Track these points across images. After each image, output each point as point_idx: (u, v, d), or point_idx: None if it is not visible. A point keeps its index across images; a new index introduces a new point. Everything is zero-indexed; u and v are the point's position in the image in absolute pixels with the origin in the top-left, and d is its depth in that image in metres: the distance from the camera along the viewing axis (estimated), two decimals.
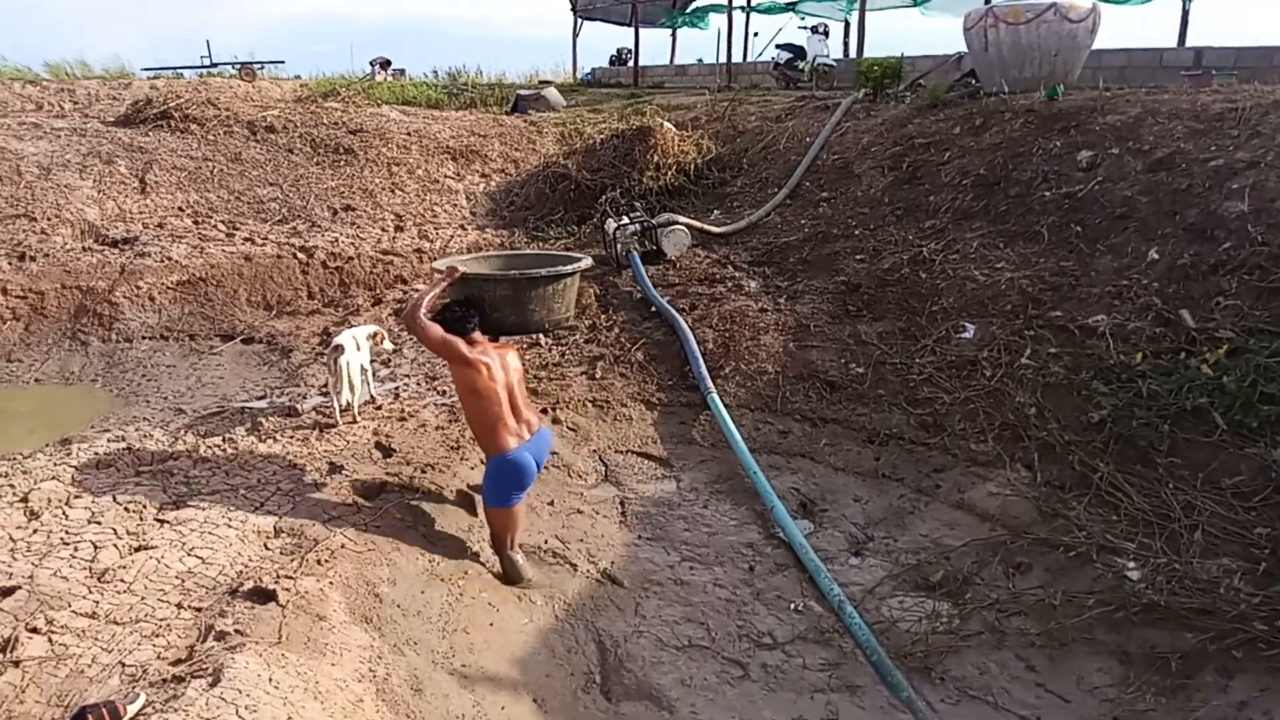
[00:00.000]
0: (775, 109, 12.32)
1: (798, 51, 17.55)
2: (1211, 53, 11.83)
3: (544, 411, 6.41)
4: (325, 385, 6.35)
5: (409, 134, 12.40)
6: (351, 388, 5.89)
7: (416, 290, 9.03)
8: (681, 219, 9.14)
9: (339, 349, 5.83)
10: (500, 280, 5.22)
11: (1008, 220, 7.68)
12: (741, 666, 4.35)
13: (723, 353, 7.03)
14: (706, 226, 9.33)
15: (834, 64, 16.76)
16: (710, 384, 6.55)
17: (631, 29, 26.19)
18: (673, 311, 7.61)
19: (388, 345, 6.66)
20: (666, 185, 10.70)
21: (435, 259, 9.36)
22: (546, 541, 5.13)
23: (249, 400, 6.67)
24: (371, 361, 6.44)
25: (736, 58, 20.71)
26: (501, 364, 4.72)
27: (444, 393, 6.57)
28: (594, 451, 6.18)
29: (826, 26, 17.74)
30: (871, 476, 5.85)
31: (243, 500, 4.75)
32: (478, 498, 5.21)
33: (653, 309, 8.02)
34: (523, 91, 15.52)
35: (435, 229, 10.46)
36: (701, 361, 6.80)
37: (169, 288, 8.65)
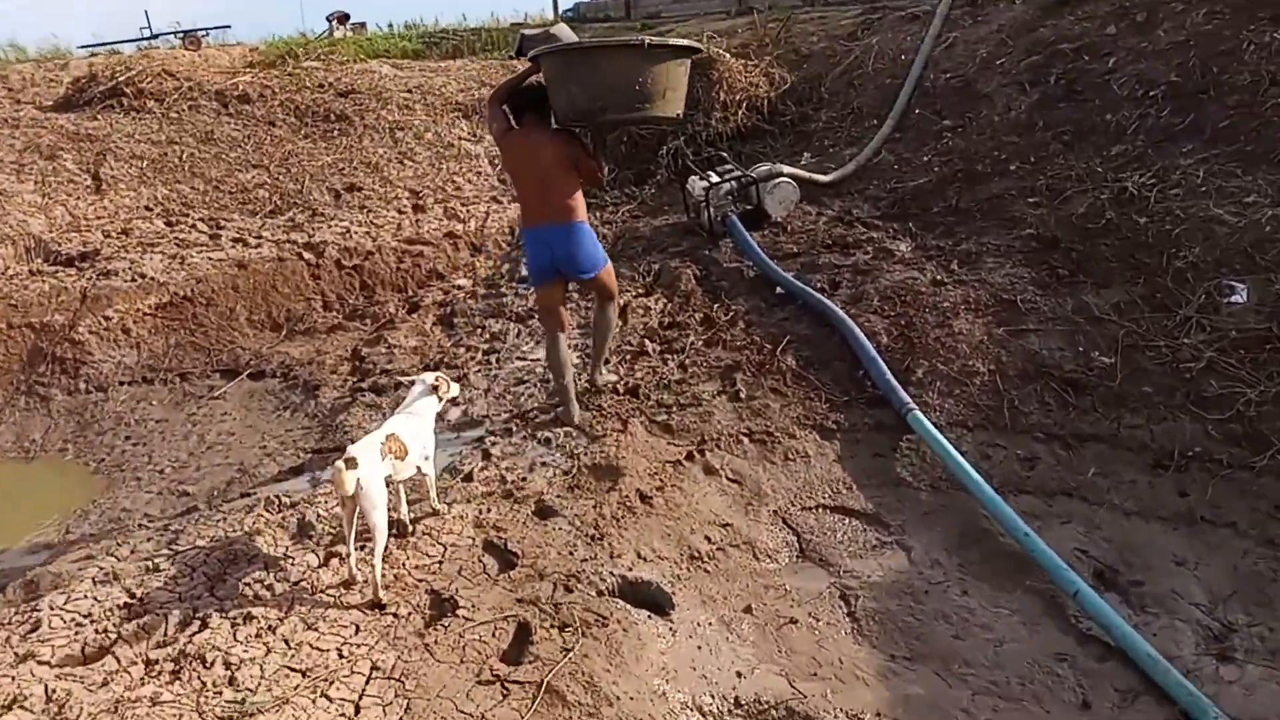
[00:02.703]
0: (843, 25, 10.36)
1: None
2: None
3: (689, 458, 4.65)
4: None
5: (409, 91, 10.39)
6: (375, 529, 3.42)
7: (458, 287, 7.19)
8: (785, 168, 7.27)
9: (351, 463, 3.31)
10: (545, 55, 4.68)
11: (1236, 139, 5.87)
12: None
13: (904, 348, 5.25)
14: (814, 175, 7.47)
15: None
16: (906, 396, 4.79)
17: None
18: (816, 295, 5.80)
19: (453, 391, 4.21)
20: (738, 127, 8.81)
21: (474, 243, 7.53)
22: (770, 696, 3.37)
23: (281, 476, 4.87)
24: (438, 421, 4.27)
25: None
26: (530, 149, 4.68)
27: (549, 441, 4.78)
28: (775, 513, 4.42)
29: None
30: (1187, 522, 4.11)
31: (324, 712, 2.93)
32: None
33: (777, 289, 6.22)
34: (528, 31, 13.34)
35: (463, 205, 8.55)
36: (883, 365, 5.03)
37: (146, 314, 6.74)
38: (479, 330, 6.45)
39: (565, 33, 12.91)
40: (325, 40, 15.91)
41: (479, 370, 5.83)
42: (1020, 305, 5.31)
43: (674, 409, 5.07)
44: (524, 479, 4.40)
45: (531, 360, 5.93)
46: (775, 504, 4.46)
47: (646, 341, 5.87)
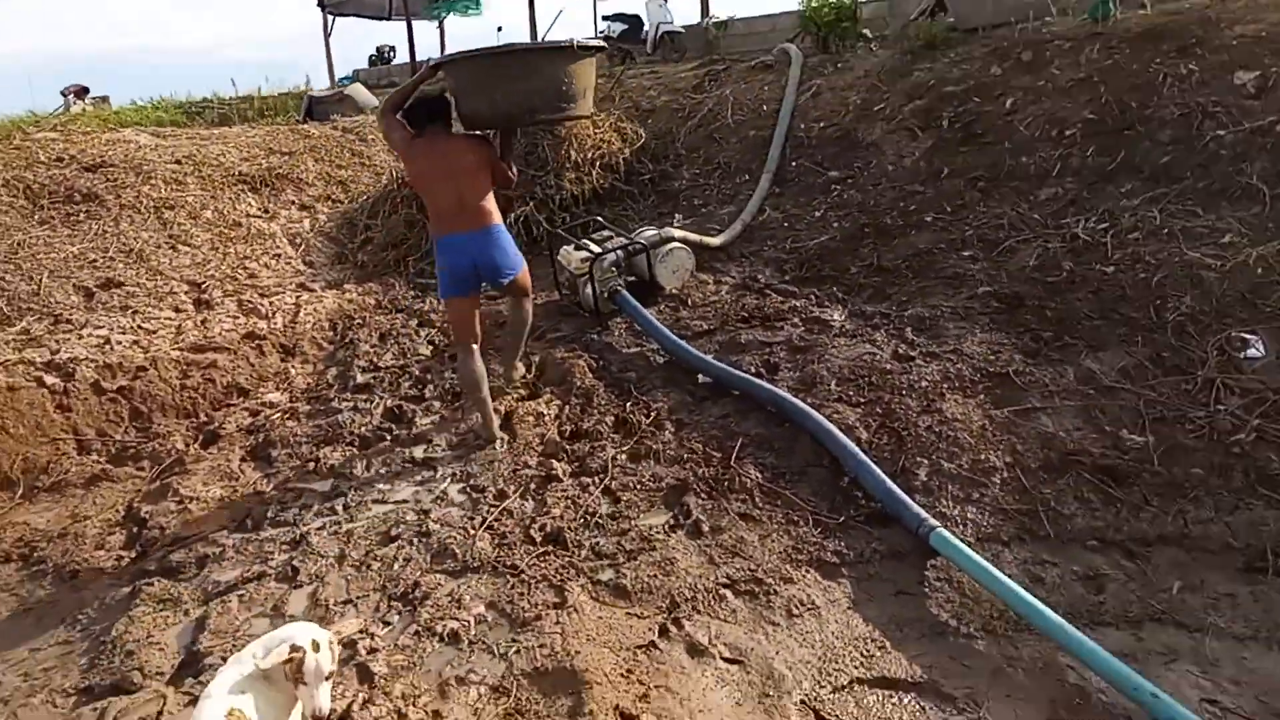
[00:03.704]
0: (682, 78, 9.50)
1: (633, 21, 14.92)
2: None
3: (663, 634, 3.29)
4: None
5: (177, 162, 8.48)
6: None
7: (270, 405, 5.50)
8: (675, 231, 6.13)
9: None
10: (462, 60, 4.69)
11: (1181, 176, 5.32)
12: None
13: (891, 443, 4.15)
14: (704, 239, 6.38)
15: (680, 30, 14.24)
16: (920, 510, 3.66)
17: (389, 23, 22.73)
18: (759, 383, 4.63)
19: (324, 663, 2.39)
20: (594, 188, 7.64)
21: (284, 344, 5.89)
22: None
23: None
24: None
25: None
26: (441, 156, 4.57)
27: (456, 636, 3.25)
28: (802, 704, 3.11)
29: None
30: None
31: None
32: None
33: (700, 378, 5.01)
34: (317, 94, 11.78)
35: (262, 296, 6.80)
36: (877, 469, 3.89)
37: None
38: (310, 465, 4.79)
39: (364, 95, 11.39)
40: (61, 116, 13.50)
41: (322, 528, 4.19)
42: (1014, 379, 4.36)
43: (620, 559, 3.69)
44: (436, 713, 2.86)
45: (396, 503, 4.36)
46: (798, 689, 3.15)
47: (553, 462, 4.45)
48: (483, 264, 4.63)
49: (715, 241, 6.42)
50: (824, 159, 7.26)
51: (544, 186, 7.44)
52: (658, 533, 3.84)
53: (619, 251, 5.83)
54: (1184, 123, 5.52)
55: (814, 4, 9.40)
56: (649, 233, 6.12)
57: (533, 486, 4.32)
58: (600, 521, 3.95)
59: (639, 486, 4.18)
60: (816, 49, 8.99)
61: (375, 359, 5.91)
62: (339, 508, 4.36)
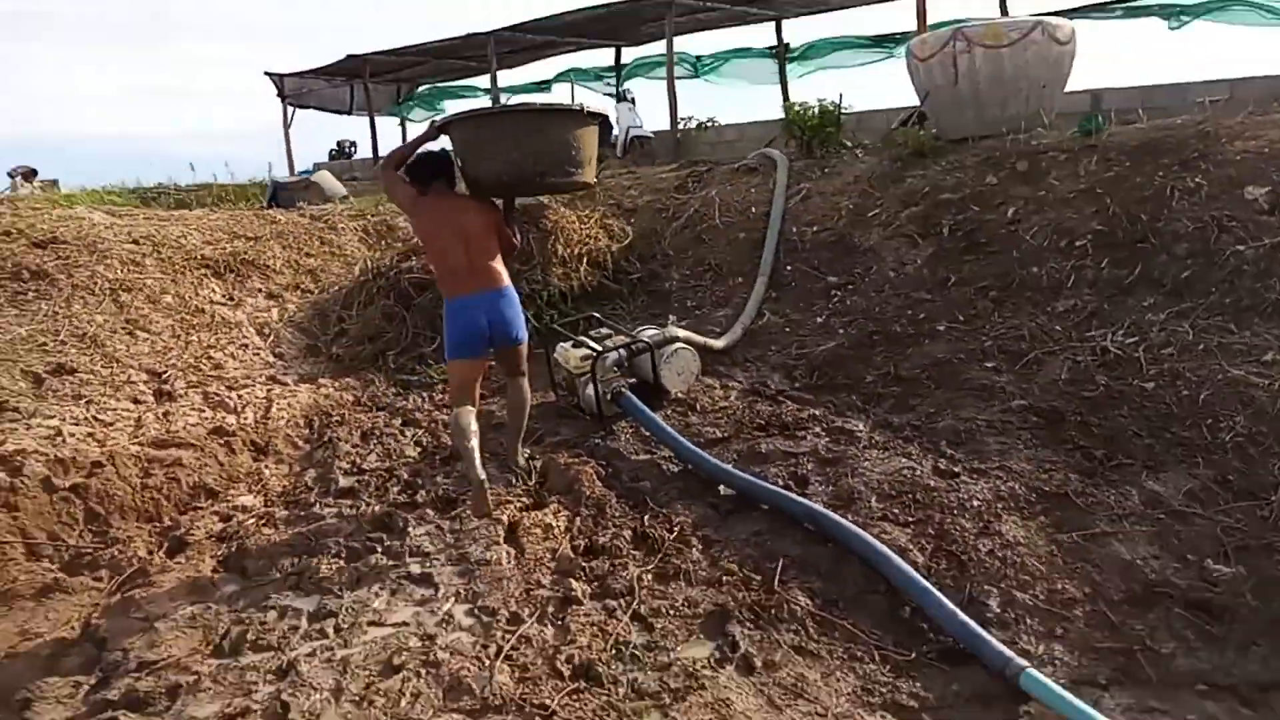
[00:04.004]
0: (663, 178, 9.41)
1: (602, 124, 14.97)
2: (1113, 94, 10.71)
3: None
4: None
5: (135, 242, 7.97)
6: None
7: (242, 509, 4.97)
8: (679, 331, 5.85)
9: None
10: (468, 119, 4.76)
11: (1206, 292, 5.25)
12: None
13: (952, 568, 3.82)
14: (708, 340, 6.11)
15: (650, 135, 14.34)
16: (1004, 649, 3.31)
17: (351, 117, 22.61)
18: (802, 500, 4.29)
19: None
20: (582, 285, 7.37)
21: (255, 440, 5.41)
22: None
23: None
24: None
25: None
26: (450, 214, 4.58)
27: None
28: None
29: (633, 94, 15.32)
30: None
31: None
32: None
33: (721, 489, 4.66)
34: (282, 179, 11.43)
35: (229, 389, 6.29)
36: (945, 600, 3.55)
37: None
38: (293, 579, 4.26)
39: (330, 182, 11.09)
40: (8, 196, 12.88)
41: (312, 654, 3.66)
42: (1074, 500, 4.10)
43: (666, 699, 3.24)
44: None
45: (395, 626, 3.86)
46: None
47: (570, 581, 4.02)
48: (496, 324, 4.60)
49: (719, 344, 6.16)
50: (820, 264, 7.13)
51: (530, 281, 7.14)
52: (704, 667, 3.41)
53: (621, 351, 5.52)
54: (1199, 236, 5.50)
55: (796, 109, 9.47)
56: (649, 332, 5.83)
57: (550, 609, 3.87)
58: (636, 653, 3.51)
59: (673, 612, 3.76)
60: (800, 154, 8.98)
61: (358, 460, 5.42)
62: (329, 630, 3.83)
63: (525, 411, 5.02)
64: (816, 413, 5.27)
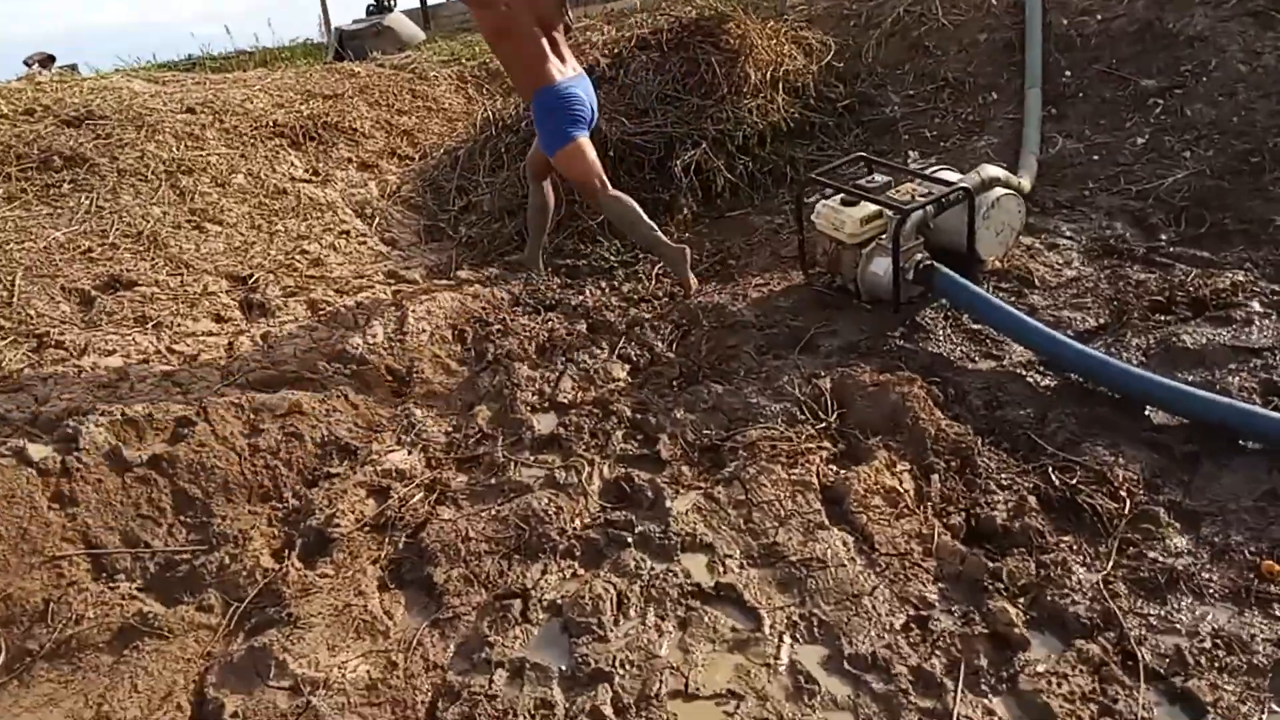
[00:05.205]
0: None
1: None
2: None
3: None
4: None
5: (190, 111, 6.24)
6: None
7: (397, 474, 3.38)
8: (997, 171, 3.96)
9: None
10: None
11: None
12: None
13: None
14: (1020, 181, 4.22)
15: None
16: None
17: None
18: None
19: None
20: (782, 119, 5.48)
21: (394, 366, 3.77)
22: None
23: None
24: None
25: None
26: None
27: None
28: None
29: None
30: None
31: None
32: None
33: (1146, 411, 2.92)
34: (349, 26, 9.52)
35: (339, 293, 4.66)
36: None
37: None
38: (510, 606, 2.68)
39: (406, 26, 9.08)
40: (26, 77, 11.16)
41: None
42: None
43: None
44: None
45: (715, 699, 2.27)
46: None
47: (989, 601, 2.36)
48: (593, 106, 4.37)
49: (1027, 184, 4.28)
50: (1120, 63, 5.11)
51: (715, 120, 5.27)
52: None
53: (924, 205, 3.67)
54: None
55: None
56: (944, 174, 3.97)
57: (981, 661, 2.24)
58: None
59: (1216, 664, 2.10)
60: None
61: (546, 389, 3.76)
62: (608, 711, 2.27)
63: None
64: (1239, 278, 3.44)
